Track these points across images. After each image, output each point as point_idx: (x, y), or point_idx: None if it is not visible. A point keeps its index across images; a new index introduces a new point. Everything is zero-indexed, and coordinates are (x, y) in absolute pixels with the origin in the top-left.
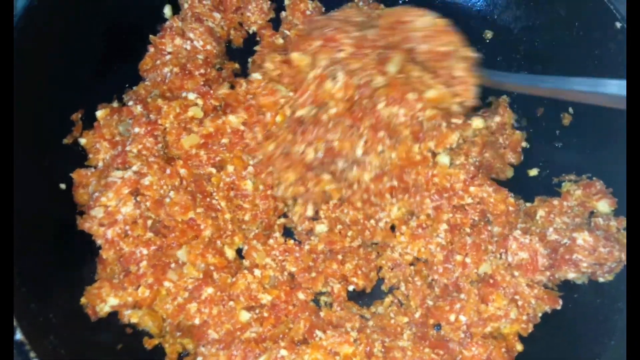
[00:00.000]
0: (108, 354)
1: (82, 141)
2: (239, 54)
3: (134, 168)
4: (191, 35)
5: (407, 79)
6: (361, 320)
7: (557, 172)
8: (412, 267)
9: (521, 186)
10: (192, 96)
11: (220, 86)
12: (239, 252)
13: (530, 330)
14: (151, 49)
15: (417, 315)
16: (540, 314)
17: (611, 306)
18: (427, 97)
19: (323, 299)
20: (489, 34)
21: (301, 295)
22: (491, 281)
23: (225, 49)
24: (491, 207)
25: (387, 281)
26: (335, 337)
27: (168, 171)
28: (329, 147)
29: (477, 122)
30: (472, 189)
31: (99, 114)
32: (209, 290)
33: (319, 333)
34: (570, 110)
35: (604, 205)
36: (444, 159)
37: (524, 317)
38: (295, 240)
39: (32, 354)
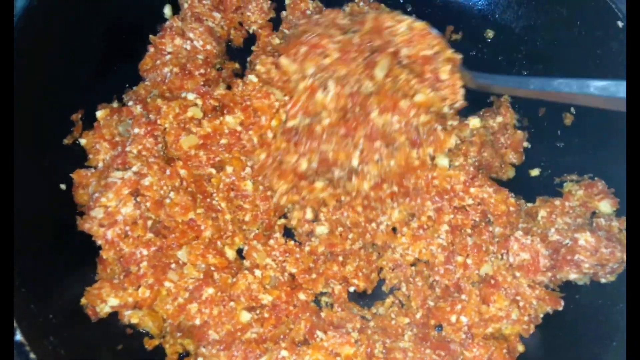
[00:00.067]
0: (108, 355)
1: (82, 141)
2: (239, 54)
3: (134, 169)
4: (191, 35)
5: (395, 83)
6: (362, 321)
7: (559, 172)
8: (413, 268)
9: (522, 186)
10: (191, 96)
11: (218, 86)
12: (239, 252)
13: (531, 331)
14: (151, 49)
15: (418, 316)
16: (541, 315)
17: (613, 307)
18: (416, 102)
19: (324, 299)
20: (490, 34)
21: (302, 296)
22: (492, 282)
23: (226, 49)
24: (492, 207)
25: (388, 282)
26: (336, 337)
27: (168, 172)
28: (324, 158)
29: (474, 122)
30: (472, 190)
31: (99, 114)
32: (210, 290)
33: (319, 334)
34: (572, 110)
35: (605, 206)
36: (443, 161)
37: (526, 318)
38: (295, 241)
39: (32, 355)
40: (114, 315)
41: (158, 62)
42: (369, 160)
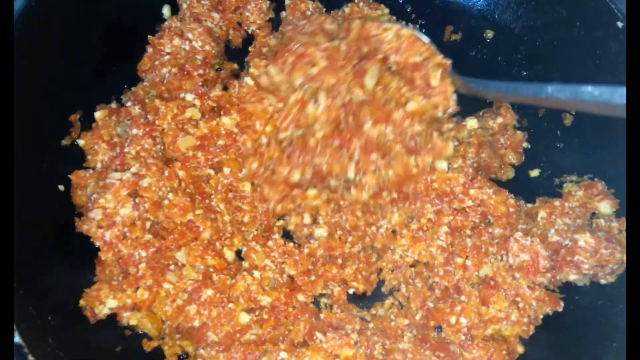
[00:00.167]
0: (107, 356)
1: (81, 142)
2: (238, 54)
3: (133, 169)
4: (190, 35)
5: (386, 92)
6: (361, 322)
7: (559, 172)
8: (412, 269)
9: (522, 187)
10: (189, 97)
11: (214, 87)
12: (238, 253)
13: (531, 332)
14: (150, 50)
15: (417, 317)
16: (541, 316)
17: (613, 308)
18: (409, 111)
19: (323, 300)
20: (489, 34)
21: (301, 297)
22: (492, 283)
23: (224, 49)
24: (492, 208)
25: (388, 283)
26: (335, 339)
27: (166, 173)
28: (317, 170)
29: (471, 123)
30: (472, 191)
31: (98, 114)
32: (209, 291)
33: (319, 335)
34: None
35: (605, 207)
36: (441, 164)
37: (525, 319)
38: (294, 242)
39: (30, 357)
40: (113, 316)
41: (157, 62)
42: (366, 171)
